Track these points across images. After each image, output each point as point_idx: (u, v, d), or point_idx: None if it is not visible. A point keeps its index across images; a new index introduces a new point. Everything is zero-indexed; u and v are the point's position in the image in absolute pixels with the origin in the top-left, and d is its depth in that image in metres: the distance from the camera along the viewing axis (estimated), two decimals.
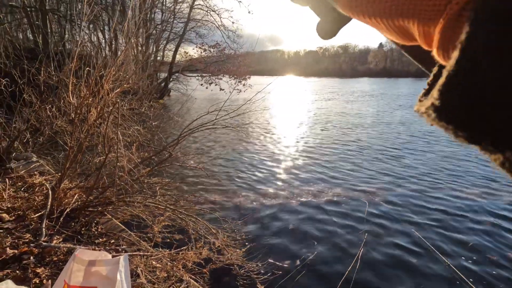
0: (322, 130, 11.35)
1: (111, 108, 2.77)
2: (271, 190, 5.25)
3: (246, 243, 3.50)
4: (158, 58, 19.71)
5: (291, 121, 13.58)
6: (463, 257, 3.29)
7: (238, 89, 17.35)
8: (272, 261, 3.16)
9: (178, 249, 2.48)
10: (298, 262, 3.16)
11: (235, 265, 3.00)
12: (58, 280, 1.10)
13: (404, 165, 6.80)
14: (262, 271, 2.95)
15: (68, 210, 2.48)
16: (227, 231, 3.66)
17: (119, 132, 2.70)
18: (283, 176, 6.10)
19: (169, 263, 2.17)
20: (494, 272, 3.06)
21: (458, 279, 2.89)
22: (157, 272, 1.98)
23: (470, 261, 3.23)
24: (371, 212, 4.37)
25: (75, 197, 2.77)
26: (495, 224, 4.04)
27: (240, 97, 4.76)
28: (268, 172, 6.32)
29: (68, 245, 2.07)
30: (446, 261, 3.19)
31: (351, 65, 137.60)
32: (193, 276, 2.21)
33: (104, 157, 2.73)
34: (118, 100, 2.91)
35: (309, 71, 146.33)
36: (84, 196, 2.90)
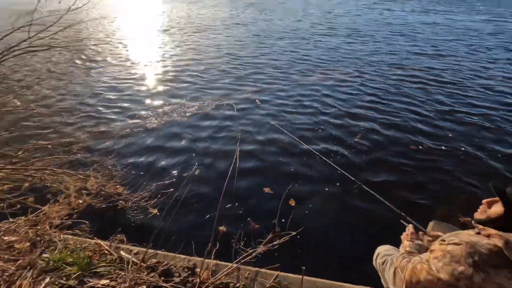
0: (180, 37, 10.40)
1: None
2: (139, 113, 4.77)
3: (127, 175, 3.26)
4: None
5: (140, 29, 11.68)
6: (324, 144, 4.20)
7: None
8: (159, 183, 3.11)
9: (38, 211, 2.04)
10: (184, 174, 3.24)
11: (120, 201, 2.82)
12: None
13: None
14: (152, 196, 2.90)
15: None
16: (99, 170, 3.25)
17: None
18: (149, 94, 5.56)
19: (30, 230, 1.78)
20: (346, 153, 4.07)
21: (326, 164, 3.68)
22: (16, 246, 1.60)
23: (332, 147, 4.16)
24: (240, 115, 4.76)
25: None
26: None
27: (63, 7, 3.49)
28: (131, 95, 5.58)
29: None
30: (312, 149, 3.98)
31: None
32: (68, 231, 1.93)
33: None
34: None
35: None
36: None
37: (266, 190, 3.01)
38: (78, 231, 2.05)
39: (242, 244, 2.13)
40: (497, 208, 1.12)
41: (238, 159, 3.16)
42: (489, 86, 5.57)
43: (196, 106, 4.93)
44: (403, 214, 1.71)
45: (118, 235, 2.08)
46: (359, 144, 3.75)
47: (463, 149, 3.62)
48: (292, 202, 2.80)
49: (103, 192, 2.84)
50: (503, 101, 4.96)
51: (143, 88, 5.89)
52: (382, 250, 1.63)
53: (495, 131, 4.03)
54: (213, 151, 3.71)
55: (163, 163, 3.50)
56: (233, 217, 2.67)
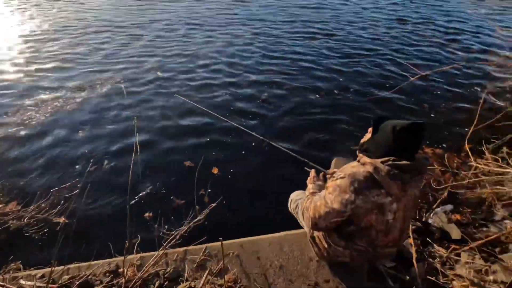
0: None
1: None
2: (16, 109, 3.82)
3: (12, 188, 2.69)
4: None
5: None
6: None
7: None
8: (59, 187, 2.67)
9: None
10: (86, 171, 2.84)
11: (12, 220, 2.34)
12: None
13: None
14: (52, 204, 2.49)
15: None
16: None
17: None
18: (19, 85, 4.46)
19: None
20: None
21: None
22: None
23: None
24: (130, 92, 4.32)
25: None
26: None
27: None
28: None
29: None
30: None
31: None
32: None
33: None
34: None
35: None
36: None
37: (187, 164, 2.92)
38: None
39: (166, 228, 2.06)
40: (368, 134, 1.31)
41: (137, 136, 2.91)
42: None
43: (87, 90, 4.24)
44: (306, 160, 1.87)
45: (12, 264, 1.75)
46: (266, 103, 3.89)
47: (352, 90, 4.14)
48: (215, 170, 2.80)
49: None
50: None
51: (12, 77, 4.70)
52: (294, 196, 1.79)
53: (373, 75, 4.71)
54: (115, 136, 3.32)
55: (59, 163, 2.98)
56: (156, 199, 2.53)
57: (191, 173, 2.73)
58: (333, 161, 2.99)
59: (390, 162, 1.11)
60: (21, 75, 4.68)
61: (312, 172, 1.65)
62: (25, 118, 3.64)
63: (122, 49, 5.60)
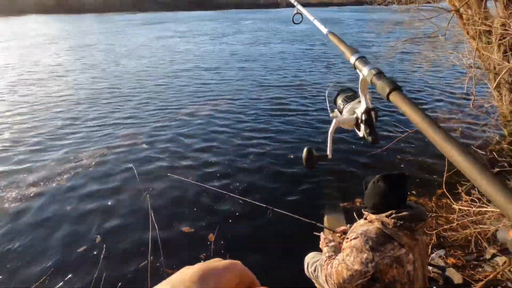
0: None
1: None
2: None
3: None
4: None
5: None
6: None
7: None
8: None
9: None
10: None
11: None
12: None
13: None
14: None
15: None
16: None
17: None
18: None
19: None
20: None
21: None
22: None
23: None
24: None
25: None
26: None
27: None
28: None
29: None
30: None
31: None
32: None
33: None
34: None
35: None
36: None
37: (185, 230, 2.97)
38: None
39: None
40: None
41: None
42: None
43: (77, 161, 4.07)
44: (313, 222, 1.95)
45: None
46: (252, 167, 4.07)
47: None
48: (212, 238, 2.83)
49: None
50: None
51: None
52: (309, 259, 1.82)
53: None
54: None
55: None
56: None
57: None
58: (326, 218, 3.10)
59: (393, 215, 1.25)
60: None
61: (322, 236, 1.70)
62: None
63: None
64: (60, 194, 3.67)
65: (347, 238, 1.34)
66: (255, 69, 9.66)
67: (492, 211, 2.18)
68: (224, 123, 5.58)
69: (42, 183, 3.86)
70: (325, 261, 1.53)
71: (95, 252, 2.77)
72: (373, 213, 1.33)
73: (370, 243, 1.23)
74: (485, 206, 2.21)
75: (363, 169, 3.97)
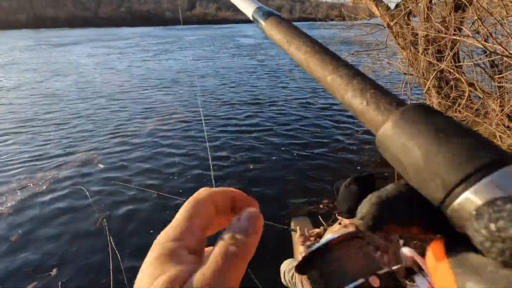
0: None
1: None
2: None
3: None
4: None
5: None
6: None
7: None
8: None
9: None
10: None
11: None
12: None
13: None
14: None
15: None
16: None
17: None
18: None
19: None
20: None
21: None
22: None
23: None
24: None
25: None
26: None
27: None
28: None
29: None
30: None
31: None
32: None
33: None
34: None
35: None
36: None
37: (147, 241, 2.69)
38: None
39: None
40: None
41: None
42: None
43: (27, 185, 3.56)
44: (284, 227, 1.99)
45: None
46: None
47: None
48: None
49: None
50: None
51: None
52: (285, 266, 1.83)
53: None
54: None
55: None
56: None
57: None
58: (292, 223, 3.16)
59: None
60: None
61: (297, 234, 1.62)
62: None
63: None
64: (4, 220, 3.24)
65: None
66: (208, 85, 9.63)
67: None
68: (183, 134, 5.47)
69: None
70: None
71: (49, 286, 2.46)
72: (347, 218, 1.34)
73: None
74: None
75: (327, 172, 4.16)
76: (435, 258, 0.16)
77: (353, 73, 0.22)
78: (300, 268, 1.04)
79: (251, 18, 0.38)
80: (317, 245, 1.02)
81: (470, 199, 0.14)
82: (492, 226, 0.13)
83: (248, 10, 0.39)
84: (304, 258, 1.02)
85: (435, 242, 0.17)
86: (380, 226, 0.17)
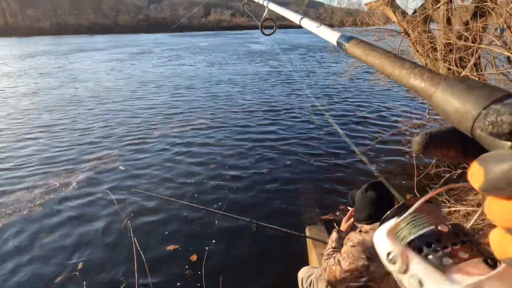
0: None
1: None
2: None
3: None
4: None
5: None
6: None
7: None
8: None
9: None
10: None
11: None
12: None
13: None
14: None
15: None
16: None
17: None
18: None
19: None
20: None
21: None
22: None
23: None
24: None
25: None
26: None
27: None
28: None
29: None
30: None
31: None
32: None
33: None
34: None
35: None
36: None
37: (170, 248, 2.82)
38: None
39: None
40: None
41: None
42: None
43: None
44: (302, 234, 1.97)
45: None
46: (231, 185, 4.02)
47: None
48: (194, 258, 2.71)
49: None
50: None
51: None
52: (303, 274, 1.81)
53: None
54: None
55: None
56: None
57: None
58: (307, 230, 3.12)
59: None
60: None
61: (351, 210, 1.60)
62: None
63: None
64: (32, 223, 3.34)
65: (345, 244, 1.35)
66: (222, 91, 9.73)
67: (465, 209, 2.36)
68: (200, 141, 5.52)
69: (10, 212, 3.51)
70: (327, 250, 1.51)
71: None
72: (367, 224, 1.34)
73: (367, 253, 1.25)
74: (454, 205, 2.40)
75: (341, 180, 4.10)
76: None
77: (413, 65, 0.31)
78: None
79: (335, 44, 0.51)
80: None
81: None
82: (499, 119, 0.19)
83: (333, 38, 0.52)
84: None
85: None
86: (426, 150, 0.24)
